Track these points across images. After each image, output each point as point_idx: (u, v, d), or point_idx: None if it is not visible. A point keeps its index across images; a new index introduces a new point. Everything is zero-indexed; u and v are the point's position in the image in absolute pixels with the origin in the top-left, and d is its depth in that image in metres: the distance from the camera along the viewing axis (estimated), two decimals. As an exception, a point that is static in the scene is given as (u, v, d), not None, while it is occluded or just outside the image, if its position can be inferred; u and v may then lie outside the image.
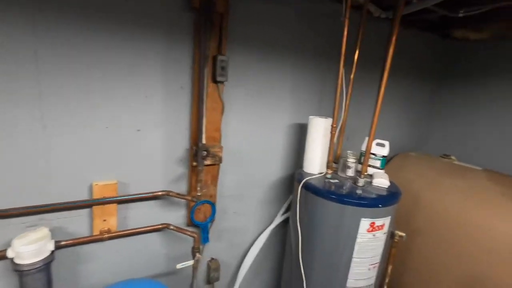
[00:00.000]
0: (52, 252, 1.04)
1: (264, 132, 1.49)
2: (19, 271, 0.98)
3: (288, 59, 1.46)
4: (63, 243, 1.06)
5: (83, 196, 1.11)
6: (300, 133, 1.59)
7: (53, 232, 1.07)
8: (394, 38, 1.11)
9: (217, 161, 1.30)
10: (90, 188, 1.11)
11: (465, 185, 1.55)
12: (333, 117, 1.28)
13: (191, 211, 1.31)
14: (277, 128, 1.53)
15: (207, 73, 1.17)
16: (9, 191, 0.99)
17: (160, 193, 1.20)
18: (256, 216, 1.60)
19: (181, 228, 1.25)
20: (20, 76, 0.93)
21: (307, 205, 1.29)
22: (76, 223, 1.13)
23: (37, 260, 1.00)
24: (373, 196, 1.21)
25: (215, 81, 1.22)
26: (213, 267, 1.47)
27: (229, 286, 1.61)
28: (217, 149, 1.28)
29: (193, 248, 1.24)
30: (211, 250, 1.50)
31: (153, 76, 1.15)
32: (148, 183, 1.23)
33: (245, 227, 1.58)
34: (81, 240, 1.11)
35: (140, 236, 1.26)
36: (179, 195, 1.23)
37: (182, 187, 1.32)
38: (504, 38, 1.85)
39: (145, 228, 1.23)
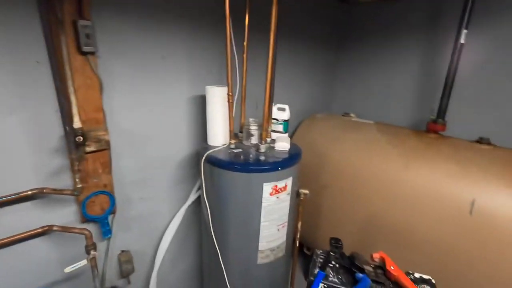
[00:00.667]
0: None
1: (161, 108, 1.36)
2: None
3: (182, 24, 1.32)
4: None
5: None
6: (203, 105, 1.51)
7: None
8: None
9: (104, 145, 1.14)
10: None
11: (360, 138, 1.71)
12: (228, 85, 1.22)
13: (82, 206, 1.15)
14: (176, 102, 1.41)
15: (67, 42, 0.97)
16: None
17: (29, 192, 1.01)
18: (167, 198, 1.51)
19: (67, 228, 1.09)
20: None
21: (213, 179, 1.25)
22: None
23: None
24: (273, 160, 1.23)
25: (82, 52, 1.02)
26: (124, 260, 1.36)
27: (148, 275, 1.52)
28: (101, 132, 1.12)
29: (86, 246, 1.10)
30: (120, 242, 1.37)
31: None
32: (16, 183, 1.02)
33: (156, 212, 1.48)
34: None
35: (18, 245, 1.07)
36: (56, 191, 1.05)
37: (65, 181, 1.13)
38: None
39: (22, 235, 1.03)
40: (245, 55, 1.33)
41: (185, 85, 1.42)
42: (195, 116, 1.50)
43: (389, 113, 2.11)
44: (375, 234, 1.54)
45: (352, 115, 2.01)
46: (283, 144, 1.31)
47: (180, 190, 1.55)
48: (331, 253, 0.89)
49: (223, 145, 1.34)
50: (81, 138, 1.01)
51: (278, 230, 1.29)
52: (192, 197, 1.56)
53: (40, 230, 1.05)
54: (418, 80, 1.91)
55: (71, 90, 0.99)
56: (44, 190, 1.03)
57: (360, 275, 0.77)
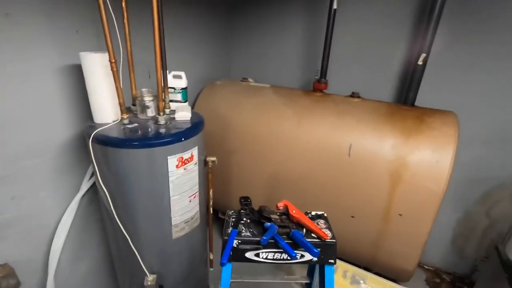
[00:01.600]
0: None
1: (20, 85, 1.07)
2: None
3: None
4: None
5: None
6: (80, 77, 1.27)
7: None
8: None
9: None
10: None
11: (259, 101, 1.80)
12: (108, 51, 1.04)
13: None
14: (40, 74, 1.13)
15: None
16: None
17: None
18: (52, 192, 1.26)
19: None
20: None
21: (108, 161, 1.10)
22: None
23: None
24: (176, 131, 1.16)
25: None
26: (3, 275, 1.11)
27: (41, 284, 1.30)
28: None
29: None
30: (-6, 257, 1.10)
31: None
32: None
33: (38, 211, 1.23)
34: None
35: None
36: None
37: None
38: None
39: None
40: (125, 14, 1.15)
41: (49, 52, 1.14)
42: (72, 89, 1.25)
43: (282, 76, 2.27)
44: (279, 187, 1.71)
45: (250, 80, 2.07)
46: (183, 113, 1.25)
47: (68, 181, 1.32)
48: (242, 211, 0.94)
49: (114, 121, 1.18)
50: None
51: (190, 201, 1.27)
52: (85, 186, 1.36)
53: None
54: (304, 44, 2.09)
55: None
56: None
57: (268, 223, 0.85)
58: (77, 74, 1.24)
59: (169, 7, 1.53)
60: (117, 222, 1.16)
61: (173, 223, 1.24)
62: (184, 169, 1.18)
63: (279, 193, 1.72)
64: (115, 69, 1.07)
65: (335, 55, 1.80)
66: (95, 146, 1.08)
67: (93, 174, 1.39)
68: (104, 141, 1.06)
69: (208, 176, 1.41)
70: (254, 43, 2.32)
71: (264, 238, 0.84)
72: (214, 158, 1.36)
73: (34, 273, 1.27)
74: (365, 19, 1.84)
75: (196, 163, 1.24)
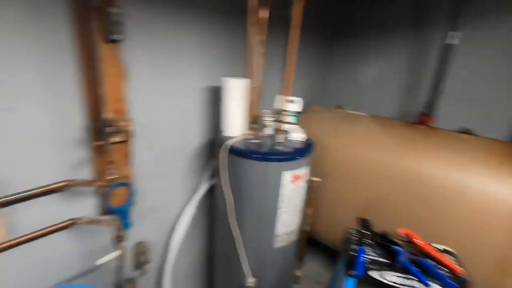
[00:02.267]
0: None
1: (176, 98, 1.37)
2: None
3: (198, 17, 1.32)
4: None
5: None
6: (215, 96, 1.53)
7: None
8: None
9: (127, 136, 1.13)
10: None
11: (357, 129, 1.84)
12: (251, 78, 1.26)
13: (105, 198, 1.14)
14: (189, 92, 1.42)
15: (96, 30, 0.95)
16: None
17: (59, 184, 0.98)
18: (180, 188, 1.53)
19: (95, 220, 1.08)
20: None
21: (233, 168, 1.29)
22: None
23: None
24: (292, 150, 1.30)
25: (109, 40, 1.00)
26: (140, 251, 1.36)
27: (160, 264, 1.54)
28: (124, 122, 1.11)
29: (116, 237, 1.10)
30: (135, 233, 1.37)
31: (20, 39, 0.86)
32: (40, 175, 0.99)
33: (170, 203, 1.49)
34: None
35: (42, 240, 1.04)
36: (85, 183, 1.04)
37: (85, 173, 1.11)
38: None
39: (47, 229, 1.01)
40: (262, 49, 1.37)
41: (198, 75, 1.43)
42: (206, 106, 1.52)
43: (379, 105, 2.27)
44: (371, 215, 1.68)
45: (346, 107, 2.14)
46: (298, 135, 1.39)
47: (192, 181, 1.57)
48: (364, 231, 0.99)
49: (240, 135, 1.38)
50: (110, 128, 1.00)
51: (294, 215, 1.37)
52: (204, 187, 1.59)
53: (66, 223, 1.03)
54: (407, 74, 2.08)
55: (99, 79, 0.96)
56: (74, 182, 1.01)
57: (397, 247, 0.88)
58: (210, 94, 1.51)
59: (278, 33, 1.74)
60: (229, 224, 1.33)
61: (276, 233, 1.35)
62: (295, 184, 1.30)
63: (374, 220, 1.69)
64: (253, 93, 1.28)
65: (444, 88, 1.75)
66: (226, 155, 1.28)
67: (210, 178, 1.62)
68: (235, 151, 1.25)
69: (310, 195, 1.49)
70: (350, 70, 2.40)
71: (401, 260, 0.86)
72: (319, 179, 1.45)
73: (157, 255, 1.52)
74: (486, 55, 1.75)
75: (304, 181, 1.35)
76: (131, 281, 1.35)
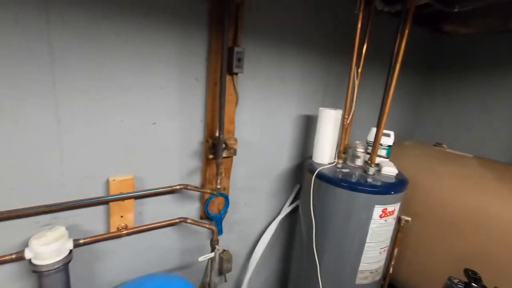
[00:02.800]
0: (71, 251, 1.01)
1: (273, 124, 1.50)
2: (38, 272, 0.94)
3: (299, 52, 1.47)
4: (81, 241, 1.03)
5: (99, 192, 1.08)
6: (306, 124, 1.62)
7: (70, 230, 1.03)
8: (407, 31, 1.15)
9: (232, 153, 1.30)
10: (107, 184, 1.08)
11: (459, 171, 1.66)
12: (345, 109, 1.32)
13: (205, 204, 1.31)
14: (285, 119, 1.54)
15: (223, 65, 1.15)
16: (23, 189, 0.94)
17: (177, 187, 1.19)
18: (265, 206, 1.63)
19: (198, 221, 1.25)
20: (34, 67, 0.87)
21: (320, 194, 1.32)
22: (92, 220, 1.10)
23: (56, 260, 0.96)
24: (385, 183, 1.27)
25: (231, 73, 1.20)
26: (226, 258, 1.48)
27: (239, 276, 1.63)
28: (232, 141, 1.28)
29: (211, 240, 1.24)
30: (222, 241, 1.50)
31: (168, 68, 1.11)
32: (164, 178, 1.21)
33: (254, 218, 1.60)
34: (100, 237, 1.08)
35: (157, 231, 1.25)
36: (197, 189, 1.22)
37: (196, 180, 1.31)
38: (490, 32, 1.97)
39: (163, 223, 1.21)
40: (358, 82, 1.42)
41: (294, 104, 1.55)
42: (298, 133, 1.62)
43: (484, 146, 2.01)
44: (474, 268, 1.46)
45: (444, 146, 1.96)
46: (390, 169, 1.35)
47: (276, 200, 1.66)
48: (473, 284, 0.89)
49: (330, 163, 1.42)
50: (224, 145, 1.17)
51: (380, 253, 1.31)
52: (286, 209, 1.66)
53: (177, 220, 1.22)
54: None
55: (219, 104, 1.16)
56: (188, 187, 1.20)
57: None
58: (303, 121, 1.61)
59: (372, 65, 1.75)
60: (311, 248, 1.34)
61: (360, 268, 1.30)
62: (385, 220, 1.25)
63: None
64: (346, 124, 1.32)
65: None
66: (315, 180, 1.33)
67: (293, 201, 1.69)
68: (325, 178, 1.29)
69: (397, 235, 1.41)
70: (450, 108, 2.21)
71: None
72: (409, 218, 1.36)
73: (238, 265, 1.62)
74: None
75: (395, 218, 1.29)
76: (212, 285, 1.48)
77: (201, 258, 1.20)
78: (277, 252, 1.78)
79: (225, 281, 1.54)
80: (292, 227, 1.76)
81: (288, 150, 1.62)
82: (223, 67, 1.12)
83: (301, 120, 1.61)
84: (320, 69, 1.59)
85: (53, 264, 0.95)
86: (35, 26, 0.85)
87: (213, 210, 1.36)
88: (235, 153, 1.30)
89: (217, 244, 1.24)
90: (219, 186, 1.22)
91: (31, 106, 0.90)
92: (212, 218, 1.36)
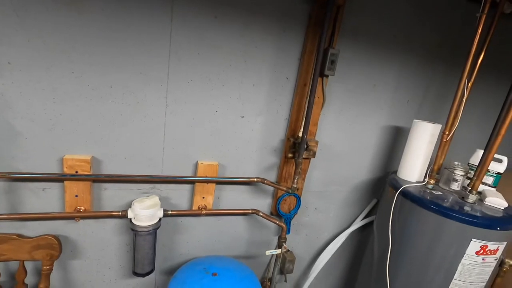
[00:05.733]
0: (160, 219, 1.16)
1: (358, 131, 1.43)
2: (135, 231, 1.11)
3: (394, 56, 1.36)
4: (169, 212, 1.17)
5: (188, 172, 1.21)
6: (395, 136, 1.50)
7: (161, 201, 1.19)
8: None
9: (311, 155, 1.29)
10: (195, 166, 1.20)
11: None
12: (447, 124, 1.17)
13: (277, 201, 1.34)
14: (371, 128, 1.45)
15: (316, 66, 1.15)
16: (132, 159, 1.12)
17: (255, 179, 1.24)
18: (336, 215, 1.57)
19: (269, 216, 1.28)
20: (157, 58, 1.03)
21: (402, 214, 1.21)
22: (179, 197, 1.23)
23: (149, 224, 1.12)
24: (488, 215, 1.08)
25: (322, 74, 1.20)
26: (289, 259, 1.48)
27: (300, 280, 1.61)
28: (313, 143, 1.27)
29: (279, 237, 1.26)
30: (288, 242, 1.51)
31: (262, 66, 1.17)
32: (243, 168, 1.28)
33: (323, 225, 1.56)
34: (184, 212, 1.21)
35: (230, 217, 1.33)
36: (273, 184, 1.26)
37: (272, 176, 1.34)
38: None
39: (237, 211, 1.29)
40: (466, 96, 1.24)
41: (384, 113, 1.45)
42: (383, 144, 1.51)
43: None
44: None
45: None
46: (498, 200, 1.14)
47: (348, 211, 1.58)
48: None
49: (417, 182, 1.28)
50: (307, 146, 1.18)
51: (470, 295, 1.12)
52: (359, 223, 1.56)
53: (249, 211, 1.28)
54: None
55: (312, 105, 1.16)
56: (265, 181, 1.25)
57: None
58: (391, 133, 1.49)
59: (487, 78, 1.50)
60: (383, 270, 1.23)
61: (440, 306, 1.14)
62: (483, 259, 1.06)
63: None
64: (445, 140, 1.17)
65: None
66: (398, 198, 1.22)
67: (367, 216, 1.58)
68: (409, 196, 1.17)
69: (496, 280, 1.18)
70: None
71: None
72: (516, 263, 1.13)
73: (300, 269, 1.61)
74: None
75: (496, 259, 1.08)
76: (273, 281, 1.50)
77: (268, 252, 1.23)
78: (343, 265, 1.70)
79: (285, 281, 1.54)
80: (362, 243, 1.65)
81: (370, 161, 1.52)
82: (316, 68, 1.12)
83: (390, 131, 1.49)
84: (418, 77, 1.44)
85: (147, 226, 1.11)
86: (162, 25, 1.00)
87: (284, 208, 1.38)
88: (314, 155, 1.29)
89: (285, 242, 1.25)
90: (295, 185, 1.23)
91: (150, 90, 1.06)
92: (282, 215, 1.37)
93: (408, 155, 1.30)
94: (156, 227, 1.14)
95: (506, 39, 1.44)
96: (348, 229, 1.55)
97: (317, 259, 1.55)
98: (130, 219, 1.11)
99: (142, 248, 1.15)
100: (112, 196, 1.15)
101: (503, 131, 1.06)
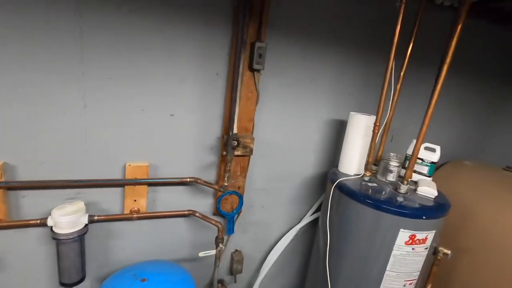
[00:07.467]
0: (86, 225, 1.10)
1: (299, 126, 1.41)
2: (57, 240, 1.05)
3: (331, 49, 1.35)
4: (96, 217, 1.11)
5: (117, 175, 1.15)
6: (339, 130, 1.49)
7: (89, 206, 1.13)
8: (459, 28, 0.95)
9: (248, 152, 1.26)
10: (123, 168, 1.15)
11: (532, 204, 1.33)
12: (377, 115, 1.16)
13: (218, 201, 1.30)
14: (313, 122, 1.44)
15: (243, 60, 1.12)
16: (52, 164, 1.06)
17: (188, 179, 1.20)
18: (284, 212, 1.54)
19: (206, 217, 1.24)
20: (65, 55, 0.97)
21: (339, 208, 1.20)
22: (109, 201, 1.18)
23: (72, 231, 1.06)
24: (417, 205, 1.08)
25: (251, 69, 1.17)
26: (237, 259, 1.45)
27: (251, 279, 1.58)
28: (248, 140, 1.24)
29: (216, 237, 1.23)
30: (236, 241, 1.48)
31: (189, 61, 1.13)
32: (179, 168, 1.24)
33: (272, 222, 1.53)
34: (112, 217, 1.15)
35: (167, 219, 1.29)
36: (206, 183, 1.22)
37: (211, 176, 1.31)
38: None
39: (172, 212, 1.24)
40: (399, 85, 1.24)
41: (325, 107, 1.44)
42: (328, 139, 1.50)
43: None
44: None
45: (517, 170, 1.60)
46: (428, 189, 1.15)
47: (296, 208, 1.56)
48: None
49: (356, 175, 1.27)
50: (236, 142, 1.14)
51: (404, 285, 1.12)
52: (307, 219, 1.55)
53: (186, 212, 1.24)
54: None
55: (237, 100, 1.13)
56: (198, 181, 1.21)
57: None
58: (334, 127, 1.48)
59: (428, 71, 1.51)
60: (325, 265, 1.22)
61: (377, 299, 1.14)
62: (412, 248, 1.06)
63: None
64: (376, 132, 1.17)
65: None
66: (335, 191, 1.21)
67: (316, 210, 1.57)
68: (344, 190, 1.16)
69: (432, 269, 1.18)
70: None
71: None
72: (448, 251, 1.13)
73: (250, 269, 1.58)
74: None
75: (427, 248, 1.09)
76: (222, 282, 1.46)
77: (201, 254, 1.19)
78: (295, 262, 1.68)
79: (235, 282, 1.51)
80: (313, 239, 1.63)
81: (316, 156, 1.51)
82: (236, 62, 1.08)
83: (333, 124, 1.48)
84: (358, 69, 1.44)
85: (69, 234, 1.05)
86: (69, 20, 0.94)
87: (226, 207, 1.34)
88: (251, 152, 1.26)
89: (222, 242, 1.22)
90: (226, 184, 1.20)
91: (64, 90, 1.00)
92: (224, 215, 1.34)
93: (346, 148, 1.29)
94: (81, 234, 1.08)
95: (438, 30, 1.45)
96: (297, 225, 1.54)
97: (267, 257, 1.52)
98: (51, 227, 1.05)
99: (67, 257, 1.09)
100: (32, 204, 1.08)
101: (426, 121, 1.06)
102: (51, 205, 1.08)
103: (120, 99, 1.07)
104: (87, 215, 1.09)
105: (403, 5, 1.03)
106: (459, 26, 0.95)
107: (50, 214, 1.05)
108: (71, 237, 1.06)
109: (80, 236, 1.09)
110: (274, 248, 1.52)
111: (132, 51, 1.04)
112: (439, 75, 1.01)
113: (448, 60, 0.98)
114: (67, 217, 1.04)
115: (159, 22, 1.05)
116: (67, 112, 1.02)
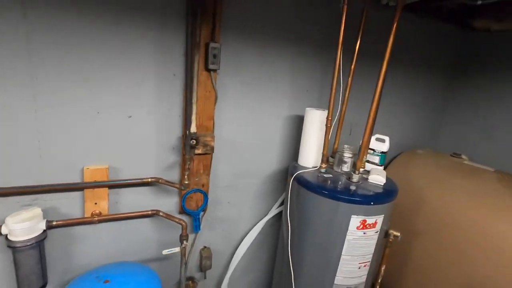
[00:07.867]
0: (44, 231, 1.08)
1: (261, 123, 1.46)
2: (12, 248, 1.03)
3: (289, 47, 1.41)
4: (54, 223, 1.10)
5: (76, 179, 1.14)
6: (299, 125, 1.55)
7: (47, 212, 1.11)
8: (395, 26, 1.04)
9: (209, 150, 1.29)
10: (82, 172, 1.14)
11: (473, 186, 1.46)
12: (328, 109, 1.23)
13: (182, 199, 1.32)
14: (274, 119, 1.49)
15: (198, 60, 1.15)
16: (5, 170, 1.03)
17: (149, 179, 1.21)
18: (251, 207, 1.59)
19: (170, 215, 1.26)
20: (13, 58, 0.95)
21: (299, 199, 1.26)
22: (69, 205, 1.16)
23: (29, 238, 1.04)
24: (366, 192, 1.16)
25: (207, 69, 1.20)
26: (205, 255, 1.48)
27: (222, 274, 1.62)
28: (209, 138, 1.27)
29: (181, 235, 1.25)
30: (204, 238, 1.51)
31: (145, 63, 1.14)
32: (141, 170, 1.24)
33: (239, 218, 1.57)
34: (72, 221, 1.14)
35: (131, 221, 1.29)
36: (168, 183, 1.24)
37: (175, 175, 1.32)
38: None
39: (135, 213, 1.25)
40: (350, 79, 1.32)
41: (285, 104, 1.49)
42: (290, 134, 1.56)
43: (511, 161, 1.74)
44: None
45: (464, 157, 1.74)
46: (377, 177, 1.23)
47: (263, 202, 1.61)
48: None
49: (314, 167, 1.34)
50: (194, 141, 1.17)
51: (359, 268, 1.20)
52: (273, 211, 1.60)
53: (149, 212, 1.25)
54: None
55: (194, 100, 1.16)
56: (160, 180, 1.22)
57: None
58: (295, 122, 1.54)
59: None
60: (288, 256, 1.28)
61: (335, 282, 1.21)
62: (364, 233, 1.14)
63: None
64: (329, 125, 1.24)
65: None
66: (293, 184, 1.27)
67: (281, 204, 1.63)
68: (302, 182, 1.23)
69: (385, 251, 1.28)
70: (476, 115, 1.95)
71: None
72: (398, 234, 1.23)
73: (220, 264, 1.61)
74: None
75: (377, 232, 1.17)
76: (192, 279, 1.48)
77: (165, 252, 1.21)
78: (264, 255, 1.73)
79: (205, 278, 1.54)
80: (279, 232, 1.70)
81: (279, 152, 1.57)
82: (193, 63, 1.11)
83: (293, 120, 1.54)
84: (314, 66, 1.51)
85: (26, 241, 1.03)
86: (13, 22, 0.93)
87: (191, 205, 1.37)
88: (212, 150, 1.29)
89: (186, 239, 1.24)
90: (187, 182, 1.22)
91: (13, 95, 0.98)
92: (189, 213, 1.36)
93: (304, 142, 1.36)
94: (39, 240, 1.06)
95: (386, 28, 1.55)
96: (263, 219, 1.59)
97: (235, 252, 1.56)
98: (6, 235, 1.03)
99: (25, 265, 1.07)
100: (-16, 213, 1.05)
101: (372, 114, 1.14)
102: (6, 213, 1.06)
103: (74, 103, 1.06)
104: (45, 220, 1.08)
105: (345, 6, 1.10)
106: (395, 25, 1.04)
107: (4, 222, 1.03)
108: (28, 244, 1.04)
109: (39, 243, 1.07)
110: (242, 243, 1.56)
111: (84, 54, 1.04)
112: (380, 70, 1.09)
113: (387, 55, 1.06)
114: (22, 224, 1.02)
115: (111, 24, 1.05)
116: (18, 117, 1.00)
